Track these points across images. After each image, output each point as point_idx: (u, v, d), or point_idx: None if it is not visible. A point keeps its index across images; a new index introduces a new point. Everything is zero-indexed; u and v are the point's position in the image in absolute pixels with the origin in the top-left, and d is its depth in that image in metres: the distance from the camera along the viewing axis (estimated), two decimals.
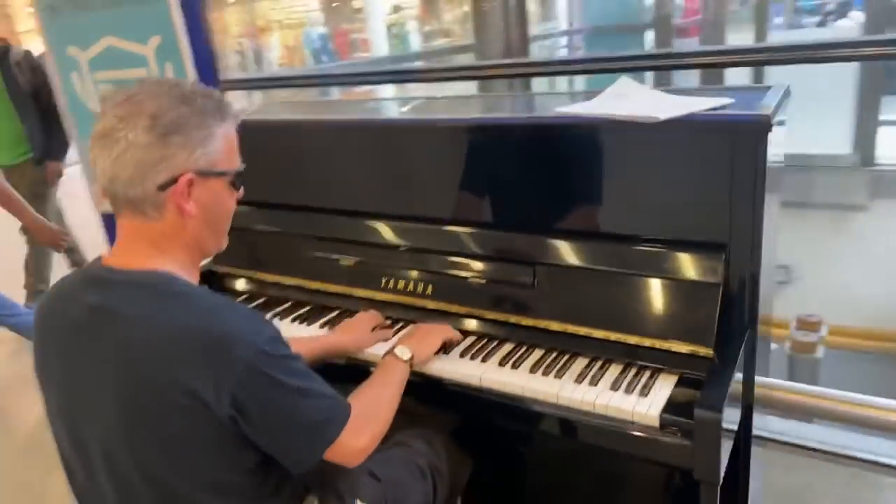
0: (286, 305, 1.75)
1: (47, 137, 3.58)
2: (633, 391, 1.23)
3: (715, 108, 1.24)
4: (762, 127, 1.16)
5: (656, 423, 1.16)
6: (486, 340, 1.46)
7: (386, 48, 11.09)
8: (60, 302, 1.01)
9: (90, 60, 2.32)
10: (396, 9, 14.26)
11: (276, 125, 1.90)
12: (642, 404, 1.19)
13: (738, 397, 1.28)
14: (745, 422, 1.38)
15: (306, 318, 1.67)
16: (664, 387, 1.24)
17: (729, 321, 1.26)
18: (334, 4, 14.76)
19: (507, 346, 1.43)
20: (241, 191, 1.09)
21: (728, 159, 1.20)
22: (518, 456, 1.80)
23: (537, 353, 1.39)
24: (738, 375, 1.22)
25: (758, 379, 1.37)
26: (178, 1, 2.07)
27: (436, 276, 1.53)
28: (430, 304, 1.53)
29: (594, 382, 1.28)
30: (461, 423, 1.58)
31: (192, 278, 1.04)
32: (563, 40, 6.12)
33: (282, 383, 0.94)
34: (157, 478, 0.95)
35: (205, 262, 1.21)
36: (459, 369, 1.37)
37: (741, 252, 1.25)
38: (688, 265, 1.27)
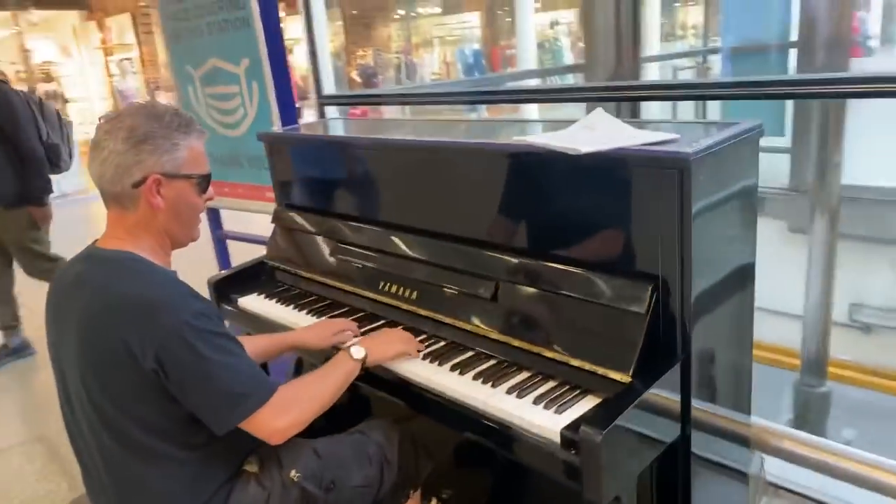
0: (310, 299, 1.99)
1: (19, 180, 3.19)
2: (551, 407, 1.30)
3: (652, 143, 1.27)
4: (682, 164, 1.18)
5: (557, 439, 1.22)
6: (452, 347, 1.58)
7: (533, 63, 11.22)
8: (65, 269, 1.30)
9: (201, 77, 2.74)
10: (553, 24, 14.36)
11: (321, 140, 2.15)
12: (551, 420, 1.26)
13: (647, 421, 1.27)
14: (684, 445, 1.37)
15: (321, 312, 1.89)
16: (581, 407, 1.29)
17: (656, 349, 1.28)
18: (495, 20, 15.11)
19: (468, 354, 1.55)
20: (210, 191, 1.33)
21: (654, 194, 1.24)
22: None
23: (489, 363, 1.50)
24: (656, 398, 1.24)
25: (698, 403, 1.36)
26: (263, 30, 2.40)
27: (418, 284, 1.68)
28: (416, 310, 1.67)
29: (521, 395, 1.36)
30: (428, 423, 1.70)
31: (160, 261, 1.29)
32: (696, 59, 5.88)
33: (199, 352, 1.15)
34: (111, 420, 1.20)
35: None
36: (413, 368, 1.51)
37: (670, 283, 1.27)
38: (618, 294, 1.31)
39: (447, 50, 15.29)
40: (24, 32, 12.63)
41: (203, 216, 1.42)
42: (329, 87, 2.82)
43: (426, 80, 13.49)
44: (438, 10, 15.83)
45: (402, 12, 13.92)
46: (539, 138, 1.35)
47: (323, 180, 2.08)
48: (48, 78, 13.89)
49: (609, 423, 1.14)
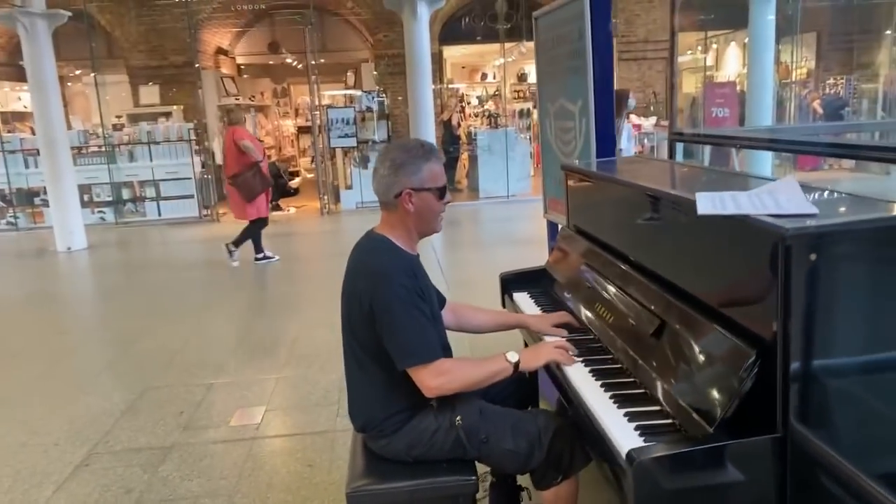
0: (552, 303, 2.40)
1: None
2: (638, 428, 1.47)
3: (780, 215, 1.30)
4: (777, 238, 1.21)
5: (624, 454, 1.40)
6: (613, 362, 1.83)
7: None
8: (359, 240, 2.01)
9: (554, 112, 3.31)
10: None
11: (591, 175, 2.51)
12: (630, 438, 1.43)
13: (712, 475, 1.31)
14: None
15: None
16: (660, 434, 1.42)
17: (754, 414, 1.31)
18: None
19: (614, 366, 1.81)
20: (448, 197, 1.90)
21: (757, 263, 1.28)
22: None
23: (624, 378, 1.72)
24: (729, 458, 1.30)
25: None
26: (593, 77, 2.81)
27: (615, 310, 1.93)
28: (607, 330, 1.94)
29: (620, 405, 1.58)
30: None
31: (406, 245, 1.89)
32: None
33: (394, 310, 1.72)
34: (349, 338, 1.87)
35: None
36: (572, 371, 1.81)
37: (772, 354, 1.28)
38: (727, 353, 1.38)
39: None
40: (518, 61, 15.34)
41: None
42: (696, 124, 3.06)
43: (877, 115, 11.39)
44: None
45: (889, 32, 11.94)
46: (705, 194, 1.49)
47: (589, 209, 2.43)
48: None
49: (650, 456, 1.29)
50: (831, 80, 12.83)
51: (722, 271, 1.49)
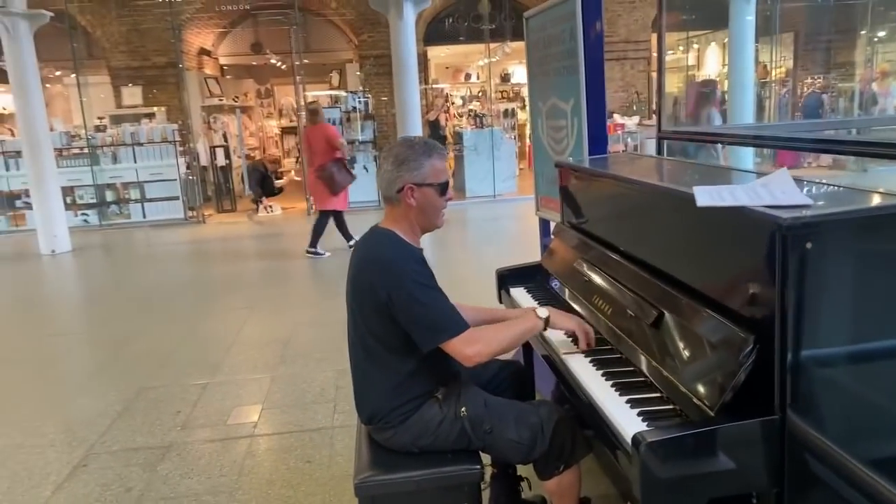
0: (548, 297, 2.45)
1: None
2: (641, 413, 1.52)
3: (777, 206, 1.36)
4: (774, 228, 1.27)
5: (629, 439, 1.45)
6: (613, 352, 1.88)
7: None
8: (364, 234, 2.05)
9: (546, 111, 3.37)
10: None
11: (584, 171, 2.57)
12: (633, 423, 1.48)
13: (714, 456, 1.37)
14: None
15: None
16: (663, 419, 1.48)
17: (754, 397, 1.37)
18: None
19: (614, 356, 1.87)
20: (449, 193, 1.94)
21: (755, 253, 1.34)
22: None
23: (625, 367, 1.78)
24: (731, 439, 1.35)
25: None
26: (585, 77, 2.87)
27: (613, 301, 1.99)
28: (607, 322, 1.99)
29: (622, 393, 1.64)
30: None
31: (409, 239, 1.92)
32: None
33: (412, 293, 1.77)
34: (360, 330, 1.91)
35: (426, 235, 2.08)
36: (576, 365, 1.86)
37: (769, 340, 1.34)
38: (727, 340, 1.44)
39: None
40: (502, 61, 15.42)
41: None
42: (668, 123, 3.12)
43: (889, 112, 11.62)
44: None
45: (864, 32, 12.20)
46: (703, 188, 1.54)
47: (584, 205, 2.49)
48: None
49: (655, 439, 1.34)
50: (808, 80, 13.06)
51: (720, 262, 1.55)
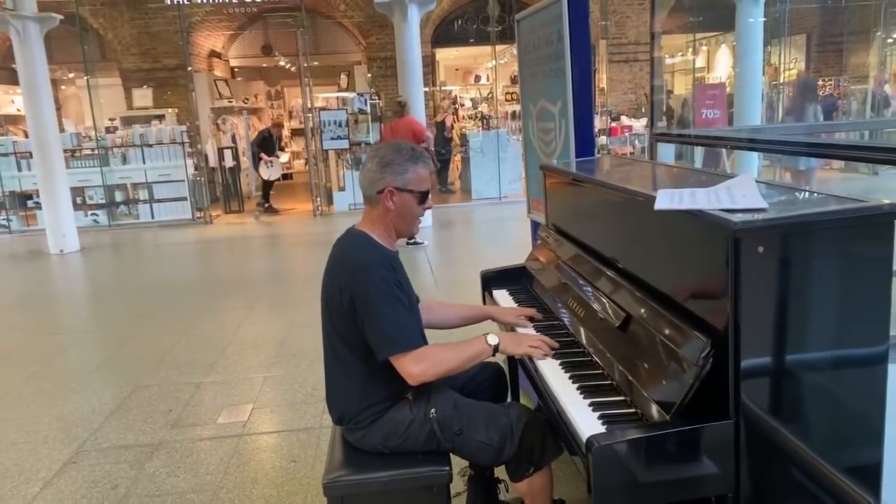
0: (527, 298, 2.45)
1: None
2: (602, 417, 1.52)
3: (735, 210, 1.35)
4: (727, 232, 1.27)
5: (584, 440, 1.45)
6: (582, 355, 1.88)
7: None
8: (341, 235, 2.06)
9: (535, 113, 3.37)
10: None
11: (566, 174, 2.56)
12: (592, 426, 1.48)
13: (667, 459, 1.37)
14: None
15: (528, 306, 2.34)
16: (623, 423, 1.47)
17: (709, 401, 1.37)
18: None
19: (584, 358, 1.86)
20: (429, 202, 1.94)
21: (708, 256, 1.34)
22: None
23: (592, 370, 1.78)
24: (684, 443, 1.35)
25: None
26: (571, 79, 2.87)
27: (584, 304, 1.98)
28: (576, 323, 1.99)
29: (586, 396, 1.63)
30: None
31: (385, 242, 1.93)
32: None
33: (374, 301, 1.77)
34: (329, 332, 1.92)
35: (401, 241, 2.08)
36: (545, 367, 1.86)
37: (728, 344, 1.33)
38: (681, 342, 1.43)
39: None
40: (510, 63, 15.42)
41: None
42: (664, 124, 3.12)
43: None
44: None
45: (878, 34, 12.04)
46: (665, 191, 1.54)
47: (565, 207, 2.49)
48: None
49: (607, 442, 1.34)
50: (820, 82, 12.93)
51: (681, 265, 1.55)
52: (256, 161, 10.62)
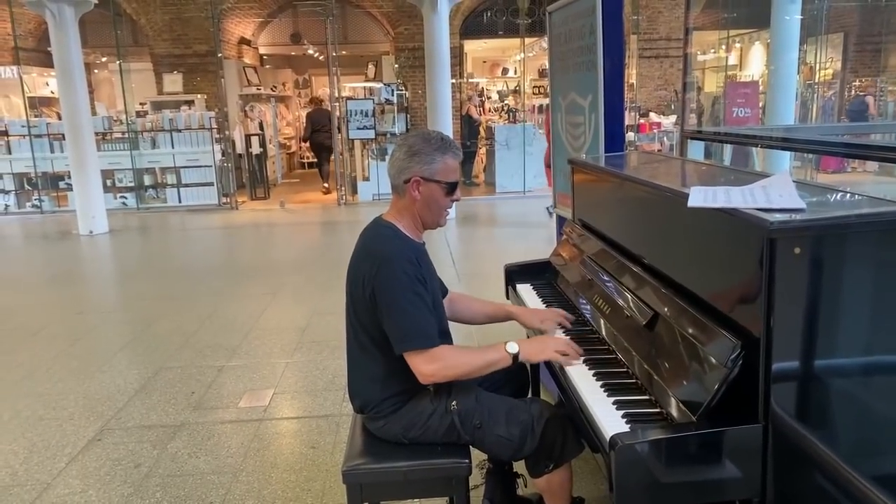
0: (553, 294, 2.43)
1: None
2: (626, 416, 1.50)
3: (769, 209, 1.32)
4: (762, 232, 1.24)
5: (607, 438, 1.43)
6: (608, 353, 1.86)
7: None
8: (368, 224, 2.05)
9: (565, 107, 3.33)
10: None
11: (595, 168, 2.53)
12: (616, 425, 1.46)
13: (692, 461, 1.35)
14: None
15: (552, 304, 2.32)
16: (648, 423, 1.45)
17: (737, 403, 1.34)
18: None
19: (608, 356, 1.84)
20: (457, 194, 1.92)
21: (756, 258, 1.30)
22: None
23: (617, 368, 1.76)
24: (710, 446, 1.33)
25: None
26: (603, 73, 2.83)
27: (611, 301, 1.96)
28: (602, 321, 1.97)
29: (610, 394, 1.61)
30: None
31: (411, 233, 1.92)
32: None
33: (394, 295, 1.76)
34: (352, 320, 1.92)
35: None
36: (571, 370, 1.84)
37: (753, 345, 1.31)
38: (714, 344, 1.41)
39: None
40: (539, 56, 15.31)
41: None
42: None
43: None
44: None
45: None
46: (699, 188, 1.51)
47: (592, 202, 2.46)
48: None
49: (631, 441, 1.32)
50: (857, 83, 12.64)
51: (712, 264, 1.52)
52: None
